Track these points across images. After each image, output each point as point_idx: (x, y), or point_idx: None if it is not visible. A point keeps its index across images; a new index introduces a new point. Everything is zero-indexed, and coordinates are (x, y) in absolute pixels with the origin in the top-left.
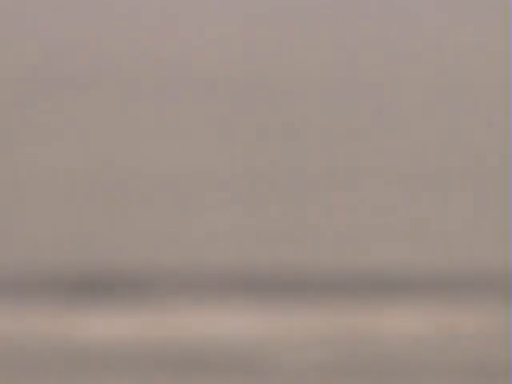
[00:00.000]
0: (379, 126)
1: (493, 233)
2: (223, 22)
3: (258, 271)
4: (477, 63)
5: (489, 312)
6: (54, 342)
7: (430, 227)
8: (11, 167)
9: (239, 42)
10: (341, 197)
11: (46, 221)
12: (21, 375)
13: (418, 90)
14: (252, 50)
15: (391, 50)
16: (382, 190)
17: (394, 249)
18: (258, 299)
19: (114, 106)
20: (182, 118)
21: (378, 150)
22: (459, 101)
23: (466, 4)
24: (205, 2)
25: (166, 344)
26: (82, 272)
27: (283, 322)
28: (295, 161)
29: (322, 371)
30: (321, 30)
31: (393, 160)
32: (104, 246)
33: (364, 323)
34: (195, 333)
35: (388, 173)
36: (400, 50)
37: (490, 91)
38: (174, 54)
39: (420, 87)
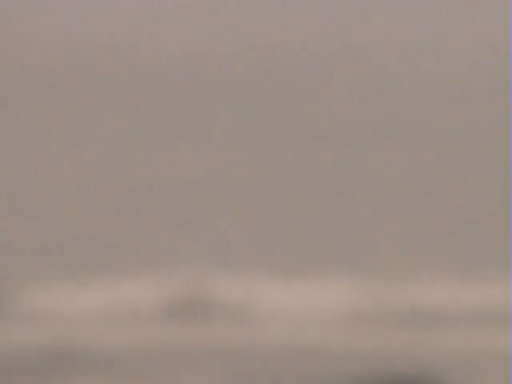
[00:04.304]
0: (386, 126)
1: (492, 234)
2: (227, 21)
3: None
4: (477, 61)
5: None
6: None
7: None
8: (5, 169)
9: (245, 43)
10: (358, 199)
11: (32, 227)
12: None
13: (418, 88)
14: (256, 50)
15: (393, 49)
16: (394, 190)
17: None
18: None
19: (114, 107)
20: (183, 119)
21: (391, 149)
22: (459, 100)
23: (466, 2)
24: (206, 3)
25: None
26: None
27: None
28: (298, 162)
29: None
30: (325, 28)
31: (396, 160)
32: (103, 253)
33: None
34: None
35: (392, 172)
36: (400, 49)
37: (490, 90)
38: (175, 55)
39: (420, 86)
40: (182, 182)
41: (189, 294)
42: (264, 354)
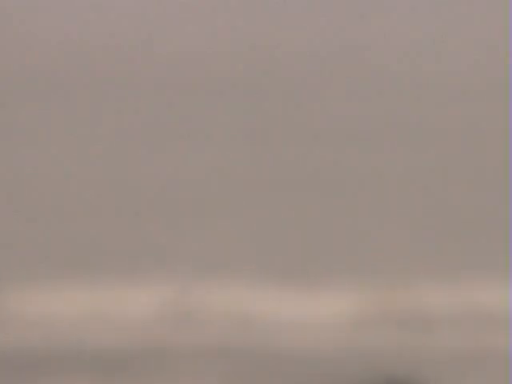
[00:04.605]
0: (386, 126)
1: (492, 233)
2: (227, 21)
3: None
4: (477, 61)
5: None
6: None
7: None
8: (5, 169)
9: (245, 43)
10: (358, 199)
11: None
12: None
13: (418, 88)
14: (256, 50)
15: (393, 49)
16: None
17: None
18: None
19: (114, 107)
20: (183, 119)
21: (391, 150)
22: (459, 100)
23: (466, 2)
24: (206, 3)
25: None
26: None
27: None
28: (298, 162)
29: None
30: (325, 28)
31: (396, 160)
32: (110, 256)
33: None
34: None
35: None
36: (400, 49)
37: (490, 90)
38: (175, 55)
39: (420, 86)
40: (181, 182)
41: (188, 294)
42: (263, 356)
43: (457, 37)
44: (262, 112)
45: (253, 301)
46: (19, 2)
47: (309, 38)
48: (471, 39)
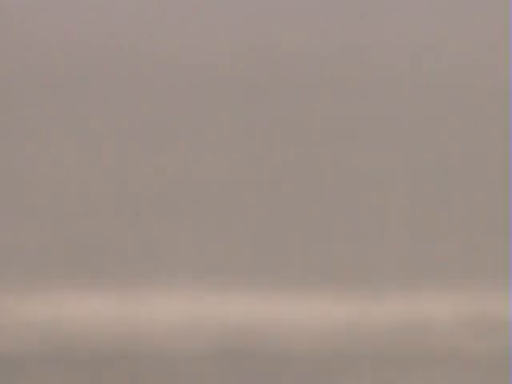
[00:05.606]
0: (386, 126)
1: (493, 234)
2: (227, 21)
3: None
4: (477, 61)
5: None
6: None
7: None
8: (5, 169)
9: (245, 43)
10: (358, 200)
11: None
12: None
13: (418, 88)
14: (256, 50)
15: (393, 49)
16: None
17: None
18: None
19: (114, 107)
20: (183, 119)
21: (385, 149)
22: (459, 100)
23: (466, 2)
24: (206, 3)
25: None
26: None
27: None
28: (298, 162)
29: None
30: (325, 28)
31: (396, 160)
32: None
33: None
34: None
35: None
36: (400, 49)
37: (490, 90)
38: (175, 55)
39: (420, 86)
40: (181, 182)
41: (188, 295)
42: (263, 358)
43: (457, 37)
44: (262, 112)
45: (253, 302)
46: (19, 2)
47: (309, 37)
48: (471, 39)
